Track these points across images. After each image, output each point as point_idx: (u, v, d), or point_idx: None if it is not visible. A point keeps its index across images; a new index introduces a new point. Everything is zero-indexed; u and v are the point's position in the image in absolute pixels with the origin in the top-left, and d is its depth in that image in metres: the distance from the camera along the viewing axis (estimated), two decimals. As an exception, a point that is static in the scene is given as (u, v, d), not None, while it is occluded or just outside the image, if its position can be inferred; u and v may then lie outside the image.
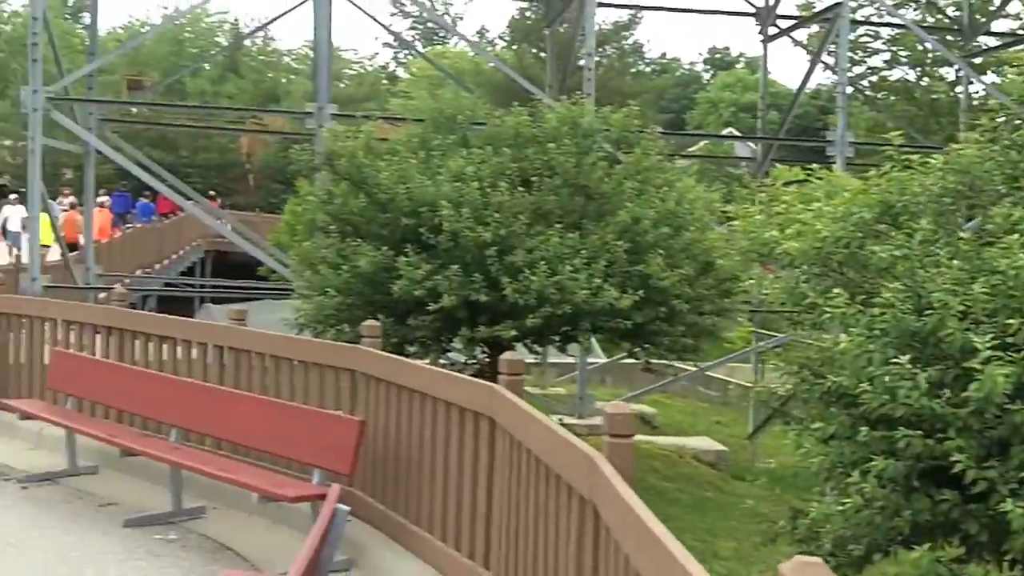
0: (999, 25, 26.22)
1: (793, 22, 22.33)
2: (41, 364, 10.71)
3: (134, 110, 26.39)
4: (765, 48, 21.57)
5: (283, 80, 65.04)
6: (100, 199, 28.38)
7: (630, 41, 58.31)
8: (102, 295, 17.77)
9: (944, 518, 6.26)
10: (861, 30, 28.86)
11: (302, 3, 17.27)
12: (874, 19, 28.48)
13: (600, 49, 41.97)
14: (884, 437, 6.27)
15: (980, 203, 7.74)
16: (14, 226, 28.75)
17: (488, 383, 6.34)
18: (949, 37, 24.36)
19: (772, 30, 21.14)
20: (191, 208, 20.36)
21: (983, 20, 24.47)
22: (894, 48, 30.40)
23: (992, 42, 24.07)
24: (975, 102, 23.99)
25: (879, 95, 31.15)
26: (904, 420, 6.14)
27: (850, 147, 17.48)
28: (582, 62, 17.49)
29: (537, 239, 10.79)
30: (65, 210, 28.04)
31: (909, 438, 6.07)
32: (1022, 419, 5.96)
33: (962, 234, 7.23)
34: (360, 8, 18.56)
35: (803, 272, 7.84)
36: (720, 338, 14.09)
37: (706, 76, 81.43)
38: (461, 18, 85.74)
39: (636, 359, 12.90)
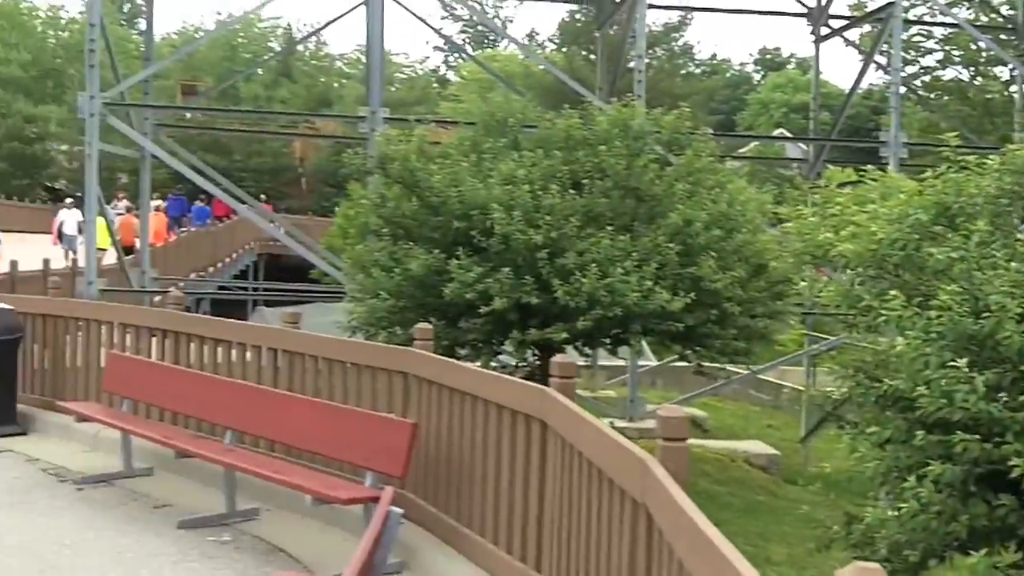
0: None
1: (845, 22, 22.14)
2: (97, 367, 10.84)
3: (188, 115, 26.68)
4: (817, 48, 21.40)
5: (335, 84, 65.55)
6: (155, 203, 28.74)
7: (680, 42, 58.14)
8: (157, 298, 18.00)
9: (1001, 523, 6.18)
10: (914, 29, 28.58)
11: (355, 8, 17.37)
12: (927, 18, 28.19)
13: (650, 51, 41.84)
14: (941, 441, 6.21)
15: (1038, 204, 7.63)
16: (70, 229, 29.23)
17: (540, 386, 6.34)
18: (1003, 36, 24.03)
19: (824, 30, 20.97)
20: (245, 211, 20.55)
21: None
22: (947, 47, 30.08)
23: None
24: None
25: (932, 95, 30.82)
26: (961, 424, 6.07)
27: (903, 148, 17.30)
28: (632, 64, 17.45)
29: (588, 241, 10.77)
30: (120, 214, 28.43)
31: (966, 442, 6.00)
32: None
33: (1019, 235, 7.14)
34: (411, 12, 18.66)
35: (858, 274, 7.77)
36: (772, 341, 14.01)
37: (756, 77, 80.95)
38: (511, 21, 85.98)
39: (687, 362, 12.83)
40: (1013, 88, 25.53)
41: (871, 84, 41.19)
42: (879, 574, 2.74)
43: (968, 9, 27.95)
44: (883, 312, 6.85)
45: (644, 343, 13.67)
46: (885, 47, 19.32)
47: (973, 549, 6.08)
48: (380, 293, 11.19)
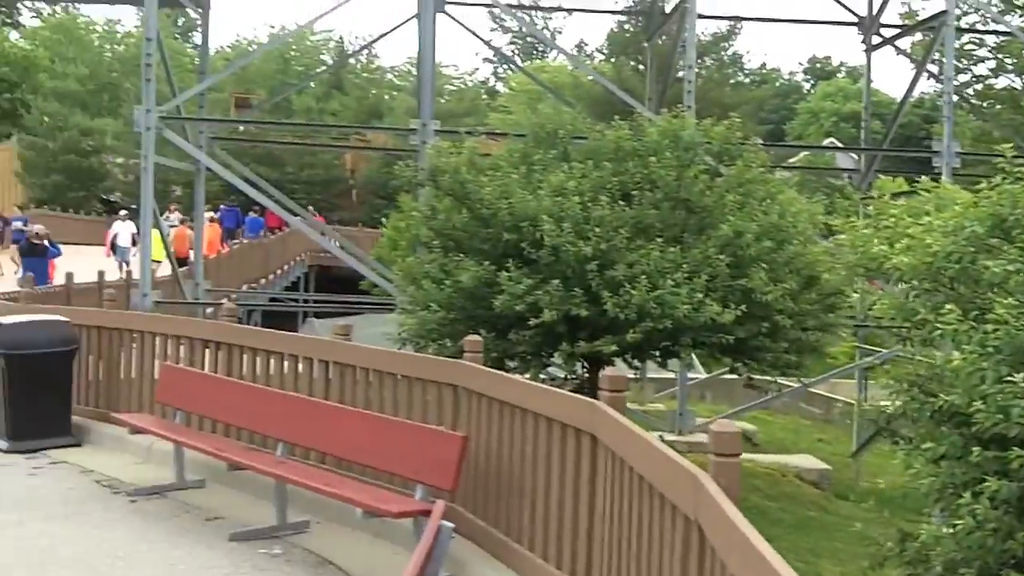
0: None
1: (897, 31, 21.93)
2: (151, 378, 10.96)
3: (241, 128, 26.96)
4: (868, 58, 21.20)
5: (386, 96, 65.91)
6: (208, 215, 29.06)
7: (730, 52, 57.94)
8: (209, 310, 18.18)
9: (1059, 541, 6.07)
10: (966, 37, 28.27)
11: (407, 22, 17.47)
12: (979, 26, 27.86)
13: (699, 60, 41.70)
14: (997, 457, 6.12)
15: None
16: (123, 241, 29.63)
17: (590, 399, 6.32)
18: (1058, 44, 23.70)
19: (875, 39, 20.78)
20: (296, 223, 20.71)
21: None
22: (1000, 56, 29.71)
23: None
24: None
25: (985, 104, 30.44)
26: (1018, 440, 5.98)
27: (956, 157, 17.09)
28: (682, 74, 17.40)
29: (638, 253, 10.74)
30: (172, 226, 28.76)
31: (1023, 458, 5.91)
32: None
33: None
34: (462, 24, 18.72)
35: (913, 287, 7.68)
36: (823, 354, 13.88)
37: (806, 86, 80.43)
38: (560, 32, 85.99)
39: (737, 375, 12.75)
40: (1068, 96, 25.16)
41: (922, 92, 40.85)
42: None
43: (1021, 17, 27.62)
44: (939, 326, 6.77)
45: (694, 356, 13.59)
46: (937, 56, 19.12)
47: (1030, 567, 5.98)
48: (430, 305, 11.23)
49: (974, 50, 29.55)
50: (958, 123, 24.50)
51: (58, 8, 67.11)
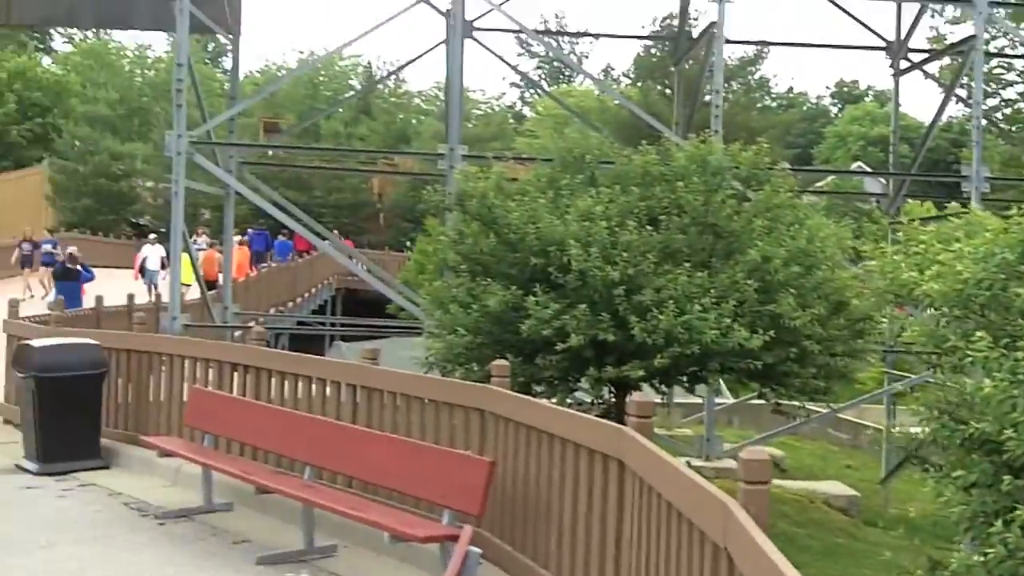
0: None
1: (925, 55, 21.87)
2: (180, 401, 11.02)
3: (270, 152, 27.15)
4: (896, 83, 21.15)
5: (413, 121, 66.22)
6: (236, 238, 29.22)
7: (756, 76, 57.97)
8: (238, 333, 18.26)
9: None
10: (994, 62, 28.18)
11: (435, 48, 17.57)
12: (1008, 51, 27.76)
13: (726, 84, 41.72)
14: (1029, 486, 6.06)
15: None
16: (152, 265, 29.84)
17: (617, 425, 6.31)
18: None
19: (903, 64, 20.73)
20: (324, 247, 20.80)
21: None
22: (1028, 80, 29.59)
23: None
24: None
25: (1013, 128, 30.30)
26: (1051, 469, 5.92)
27: (985, 182, 17.00)
28: (709, 98, 17.40)
29: (665, 278, 10.72)
30: (201, 249, 28.94)
31: (1056, 488, 5.86)
32: None
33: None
34: (489, 50, 18.80)
35: (943, 314, 7.63)
36: (852, 379, 13.79)
37: (834, 110, 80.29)
38: (587, 57, 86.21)
39: (765, 400, 12.68)
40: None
41: (950, 116, 40.65)
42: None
43: (1052, 41, 27.48)
44: (969, 353, 6.72)
45: (721, 381, 13.54)
46: (965, 80, 19.05)
47: (1063, 597, 5.91)
48: (458, 329, 11.23)
49: (1003, 74, 29.49)
50: (987, 148, 24.39)
51: (90, 33, 67.92)
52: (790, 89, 79.03)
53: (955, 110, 47.32)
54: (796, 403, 12.74)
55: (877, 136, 58.03)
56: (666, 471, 5.19)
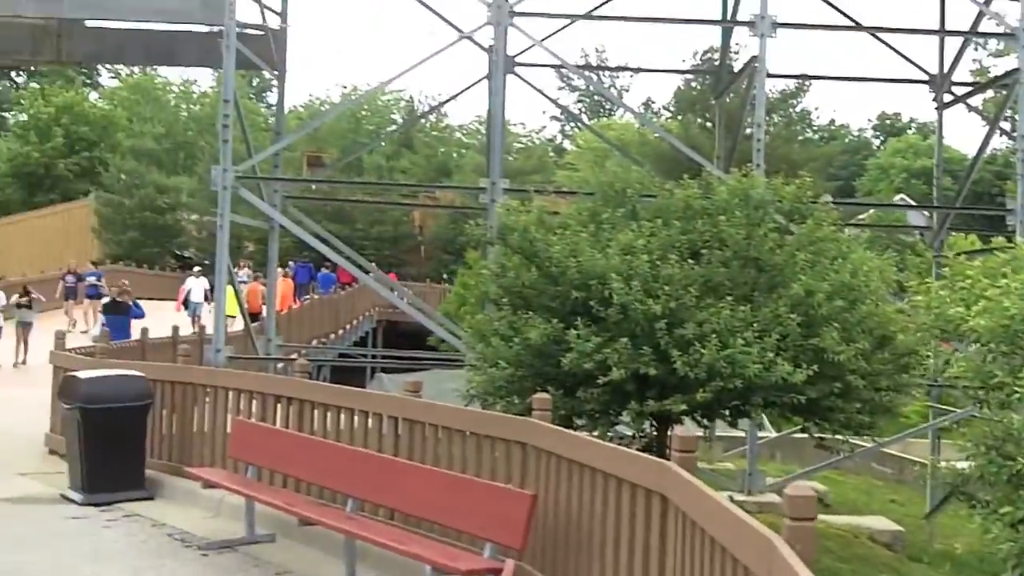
0: None
1: (968, 88, 21.74)
2: (224, 433, 11.10)
3: (314, 186, 27.40)
4: (940, 116, 21.03)
5: (454, 154, 66.59)
6: (281, 269, 29.46)
7: (798, 108, 57.85)
8: (280, 365, 18.38)
9: None
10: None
11: (477, 83, 17.71)
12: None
13: (767, 117, 41.70)
14: (1079, 524, 5.98)
15: None
16: (196, 297, 30.15)
17: (660, 460, 6.30)
18: None
19: (947, 97, 20.62)
20: (366, 279, 20.93)
21: None
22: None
23: None
24: None
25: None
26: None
27: (1030, 216, 16.83)
28: (750, 131, 17.39)
29: (708, 312, 10.70)
30: (243, 282, 29.20)
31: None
32: None
33: None
34: (530, 84, 18.92)
35: (990, 350, 7.57)
36: (896, 414, 13.66)
37: (876, 142, 79.87)
38: (627, 90, 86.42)
39: (809, 435, 12.58)
40: None
41: (994, 149, 40.28)
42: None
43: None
44: (1017, 389, 6.67)
45: (764, 415, 13.45)
46: (1009, 112, 18.90)
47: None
48: (499, 362, 11.25)
49: (1047, 106, 29.17)
50: (1032, 180, 24.13)
51: (136, 69, 68.94)
52: (832, 121, 78.76)
53: (999, 143, 47.01)
54: (840, 437, 12.63)
55: (920, 168, 57.70)
56: (710, 506, 5.17)
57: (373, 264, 33.14)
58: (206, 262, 38.71)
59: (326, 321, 32.71)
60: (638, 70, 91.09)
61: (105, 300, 24.66)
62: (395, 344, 33.41)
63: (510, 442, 7.95)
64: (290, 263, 38.23)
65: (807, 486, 4.58)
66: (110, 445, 11.18)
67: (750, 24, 16.77)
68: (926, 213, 29.06)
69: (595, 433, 11.08)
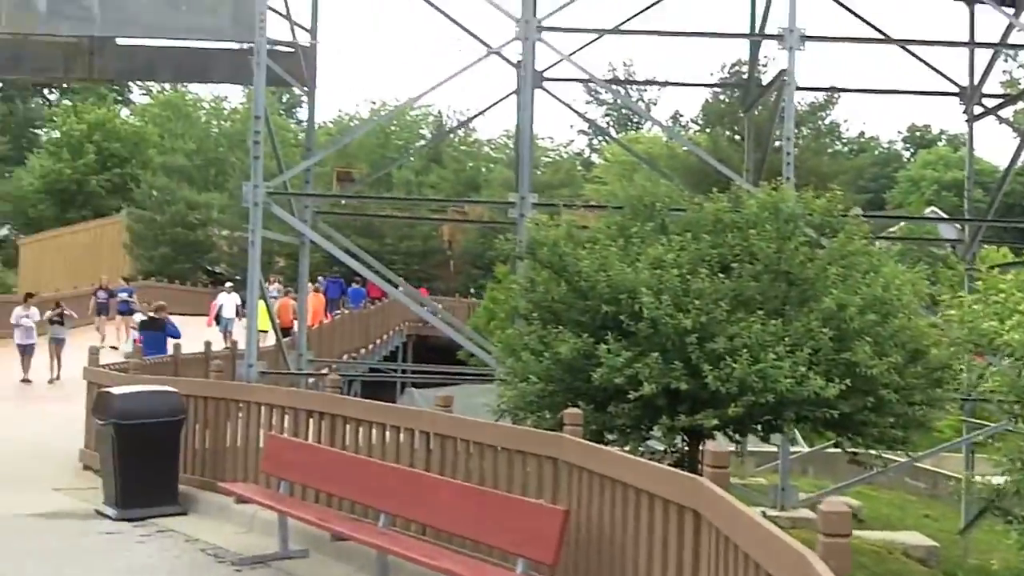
0: None
1: (999, 100, 21.60)
2: (256, 448, 11.15)
3: (344, 201, 27.52)
4: (970, 128, 20.90)
5: (482, 169, 66.76)
6: (312, 285, 29.58)
7: (827, 121, 57.66)
8: (311, 379, 18.45)
9: None
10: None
11: (505, 98, 17.75)
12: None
13: (796, 129, 41.60)
14: (1118, 540, 5.92)
15: None
16: (228, 312, 30.31)
17: (692, 475, 6.28)
18: None
19: (977, 109, 20.50)
20: (396, 293, 20.99)
21: None
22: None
23: None
24: None
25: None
26: None
27: (1063, 227, 16.71)
28: (779, 144, 17.34)
29: (739, 326, 10.65)
30: (273, 297, 29.35)
31: None
32: None
33: None
34: (557, 98, 18.95)
35: (1024, 363, 7.52)
36: (930, 428, 13.56)
37: (906, 154, 79.47)
38: (655, 103, 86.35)
39: (841, 449, 12.50)
40: None
41: (1024, 160, 39.98)
42: None
43: None
44: (1052, 403, 6.61)
45: (796, 430, 13.37)
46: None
47: None
48: (529, 377, 11.25)
49: (1080, 117, 28.98)
50: (1065, 192, 23.95)
51: (167, 86, 69.53)
52: (861, 134, 78.45)
53: (1030, 153, 46.68)
54: (873, 452, 12.55)
55: (951, 181, 57.35)
56: (743, 522, 5.16)
57: (402, 279, 33.29)
58: (237, 277, 38.93)
59: (356, 336, 32.81)
60: (665, 84, 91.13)
61: (141, 317, 24.81)
62: (425, 359, 33.45)
63: (541, 457, 7.95)
64: (319, 278, 38.39)
65: (841, 502, 4.57)
66: (144, 460, 11.26)
67: (778, 37, 16.74)
68: (957, 226, 28.84)
69: (626, 448, 11.05)
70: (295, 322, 22.28)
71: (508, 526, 7.49)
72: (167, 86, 70.33)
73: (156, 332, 20.40)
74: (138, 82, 71.54)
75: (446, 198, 49.05)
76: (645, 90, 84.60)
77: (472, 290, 50.60)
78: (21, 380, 23.86)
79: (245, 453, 11.44)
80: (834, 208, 12.22)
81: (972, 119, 20.56)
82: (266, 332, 22.14)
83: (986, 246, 29.20)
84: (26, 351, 24.30)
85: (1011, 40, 19.72)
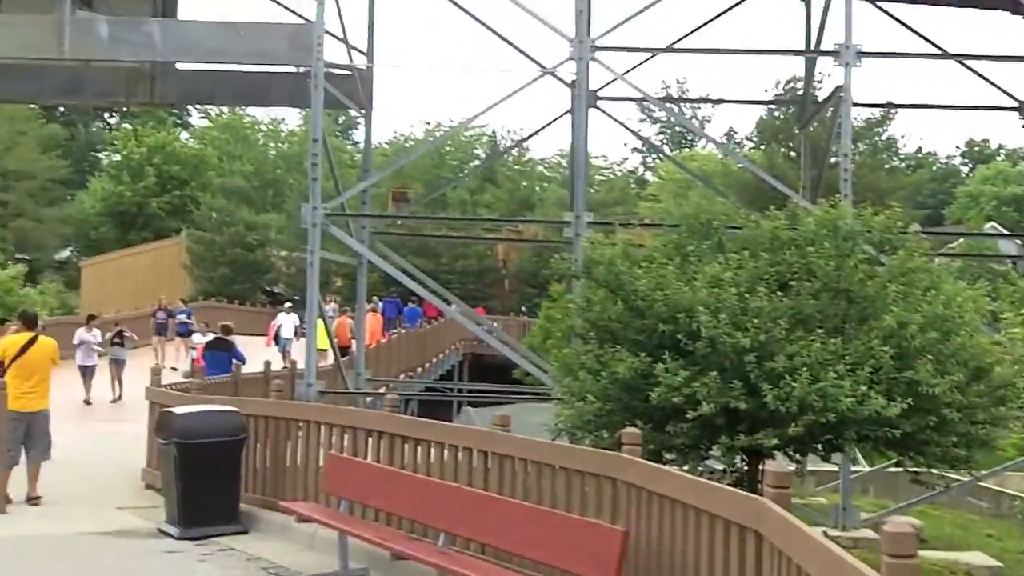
0: None
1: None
2: (316, 467, 11.24)
3: (400, 222, 27.69)
4: (1033, 141, 20.63)
5: (536, 188, 66.88)
6: (369, 304, 29.76)
7: (884, 136, 57.17)
8: (369, 399, 18.55)
9: None
10: None
11: (560, 118, 17.81)
12: None
13: (853, 145, 41.28)
14: None
15: None
16: (287, 333, 30.57)
17: (754, 496, 6.25)
18: None
19: (1038, 122, 20.19)
20: (451, 312, 21.07)
21: None
22: None
23: None
24: None
25: None
26: None
27: None
28: (835, 160, 17.22)
29: (798, 344, 10.57)
30: (331, 317, 29.56)
31: None
32: None
33: None
34: (611, 117, 18.97)
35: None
36: (993, 447, 13.35)
37: (964, 169, 78.52)
38: (709, 120, 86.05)
39: (903, 469, 12.35)
40: None
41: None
42: None
43: None
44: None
45: (857, 449, 13.23)
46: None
47: None
48: (587, 396, 11.23)
49: None
50: None
51: (226, 109, 70.50)
52: (919, 149, 77.64)
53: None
54: (935, 472, 12.40)
55: (1010, 196, 56.62)
56: (806, 543, 5.13)
57: (458, 298, 33.43)
58: (296, 297, 39.28)
59: (413, 355, 32.95)
60: (720, 101, 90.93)
61: (200, 337, 25.09)
62: (481, 378, 33.54)
63: (600, 477, 7.95)
64: (374, 298, 38.64)
65: (905, 522, 4.52)
66: (205, 479, 11.38)
67: (834, 54, 16.64)
68: (1018, 241, 28.44)
69: (685, 468, 10.98)
70: (353, 341, 22.41)
71: (567, 546, 7.49)
72: (225, 109, 71.34)
73: (222, 353, 20.61)
74: (197, 105, 72.53)
75: (500, 217, 49.15)
76: (699, 108, 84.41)
77: (525, 309, 50.63)
78: (83, 401, 24.23)
79: (305, 472, 11.54)
80: (893, 225, 12.10)
81: (1033, 133, 20.29)
82: (324, 351, 22.30)
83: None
84: (87, 372, 24.67)
85: (1071, 53, 19.41)
